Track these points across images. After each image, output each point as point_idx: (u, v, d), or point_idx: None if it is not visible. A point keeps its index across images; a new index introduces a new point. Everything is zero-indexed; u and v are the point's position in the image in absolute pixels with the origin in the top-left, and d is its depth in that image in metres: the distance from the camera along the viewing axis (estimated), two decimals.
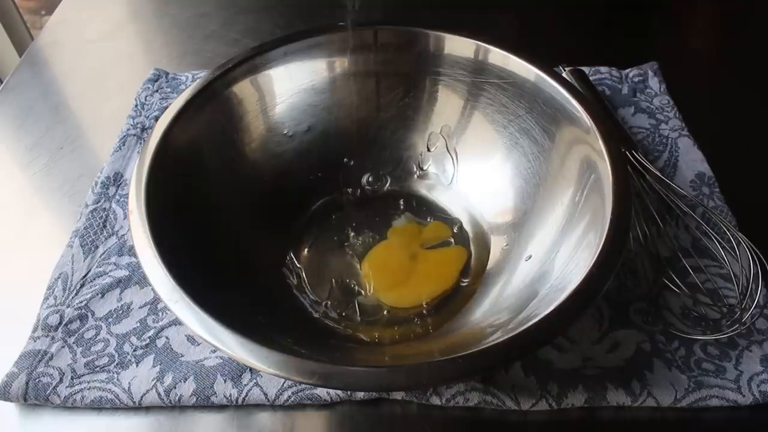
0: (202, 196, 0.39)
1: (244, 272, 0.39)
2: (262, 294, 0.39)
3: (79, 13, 0.67)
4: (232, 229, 0.40)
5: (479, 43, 0.42)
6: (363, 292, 0.40)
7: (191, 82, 0.54)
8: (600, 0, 0.68)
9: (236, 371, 0.36)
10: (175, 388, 0.35)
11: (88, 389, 0.35)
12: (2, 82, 0.60)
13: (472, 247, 0.42)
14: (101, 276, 0.41)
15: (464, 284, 0.40)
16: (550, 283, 0.34)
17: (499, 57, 0.42)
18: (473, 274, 0.41)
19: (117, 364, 0.37)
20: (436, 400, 0.35)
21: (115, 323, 0.39)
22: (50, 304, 0.39)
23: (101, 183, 0.46)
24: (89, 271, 0.41)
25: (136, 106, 0.53)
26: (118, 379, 0.36)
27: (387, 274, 0.41)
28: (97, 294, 0.40)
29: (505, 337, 0.29)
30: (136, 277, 0.41)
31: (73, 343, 0.38)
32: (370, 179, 0.46)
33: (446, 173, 0.45)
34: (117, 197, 0.46)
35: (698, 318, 0.38)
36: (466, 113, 0.45)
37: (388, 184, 0.46)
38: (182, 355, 0.37)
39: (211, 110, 0.41)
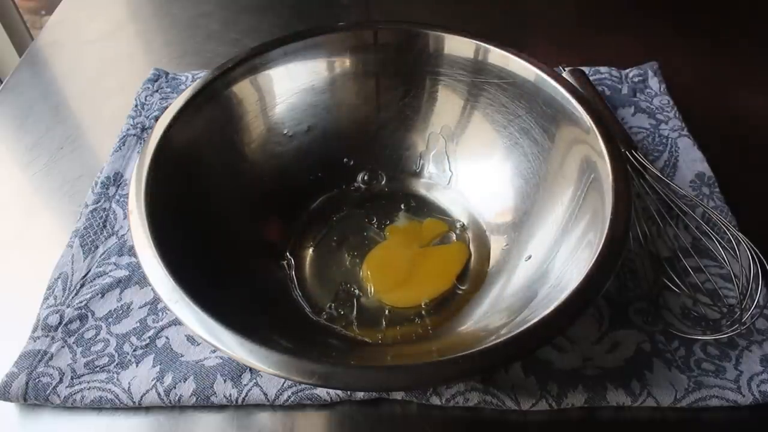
0: (202, 196, 0.39)
1: (244, 272, 0.39)
2: (262, 294, 0.39)
3: (79, 13, 0.67)
4: (232, 229, 0.40)
5: (479, 43, 0.42)
6: (364, 293, 0.40)
7: (191, 82, 0.54)
8: (600, 0, 0.68)
9: (236, 371, 0.36)
10: (175, 388, 0.35)
11: (88, 389, 0.35)
12: (2, 82, 0.60)
13: (472, 248, 0.42)
14: (101, 276, 0.41)
15: (463, 290, 0.40)
16: (550, 283, 0.34)
17: (499, 57, 0.42)
18: (472, 276, 0.41)
19: (117, 364, 0.37)
20: (436, 400, 0.35)
21: (115, 323, 0.39)
22: (50, 304, 0.39)
23: (101, 183, 0.46)
24: (89, 271, 0.41)
25: (136, 106, 0.53)
26: (118, 379, 0.36)
27: (387, 274, 0.41)
28: (97, 294, 0.40)
29: (505, 337, 0.29)
30: (136, 277, 0.41)
31: (73, 343, 0.38)
32: (366, 178, 0.46)
33: (446, 173, 0.45)
34: (117, 197, 0.46)
35: (698, 318, 0.38)
36: (465, 113, 0.45)
37: (387, 184, 0.46)
38: (182, 355, 0.37)
39: (211, 110, 0.41)
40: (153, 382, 0.35)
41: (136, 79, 0.56)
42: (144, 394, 0.35)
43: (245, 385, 0.35)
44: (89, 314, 0.39)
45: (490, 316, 0.36)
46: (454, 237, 0.43)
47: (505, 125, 0.42)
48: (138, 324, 0.39)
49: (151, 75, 0.56)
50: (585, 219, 0.35)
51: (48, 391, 0.35)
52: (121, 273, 0.41)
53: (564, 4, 0.67)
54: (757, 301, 0.36)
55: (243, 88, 0.42)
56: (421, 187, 0.46)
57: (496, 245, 0.42)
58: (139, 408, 0.35)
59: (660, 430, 0.35)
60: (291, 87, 0.44)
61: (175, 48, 0.62)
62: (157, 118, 0.45)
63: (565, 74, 0.51)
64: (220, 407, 0.35)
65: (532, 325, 0.29)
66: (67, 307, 0.39)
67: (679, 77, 0.54)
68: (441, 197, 0.45)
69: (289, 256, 0.42)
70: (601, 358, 0.36)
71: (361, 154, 0.46)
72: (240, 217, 0.41)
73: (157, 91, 0.55)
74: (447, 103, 0.45)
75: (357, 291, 0.40)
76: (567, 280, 0.32)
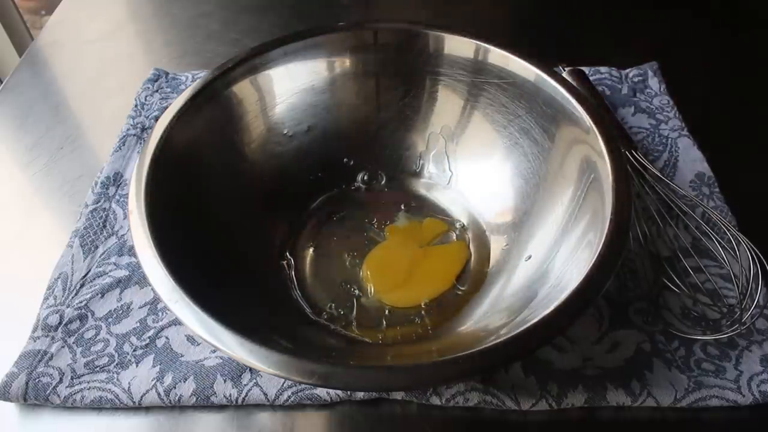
0: (202, 196, 0.39)
1: (244, 272, 0.39)
2: (262, 294, 0.39)
3: (79, 13, 0.67)
4: (231, 229, 0.40)
5: (479, 43, 0.42)
6: (364, 293, 0.40)
7: (191, 82, 0.54)
8: (600, 0, 0.68)
9: (236, 371, 0.36)
10: (174, 388, 0.35)
11: (88, 389, 0.35)
12: (2, 82, 0.60)
13: (472, 248, 0.42)
14: (101, 276, 0.41)
15: (463, 290, 0.40)
16: (550, 283, 0.34)
17: (499, 57, 0.42)
18: (472, 276, 0.41)
19: (117, 364, 0.37)
20: (436, 400, 0.35)
21: (115, 323, 0.39)
22: (50, 304, 0.39)
23: (101, 183, 0.46)
24: (89, 271, 0.41)
25: (136, 106, 0.53)
26: (118, 379, 0.36)
27: (387, 274, 0.41)
28: (97, 294, 0.40)
29: (505, 337, 0.29)
30: (136, 277, 0.41)
31: (73, 343, 0.38)
32: (366, 178, 0.46)
33: (446, 173, 0.45)
34: (117, 197, 0.46)
35: (698, 318, 0.38)
36: (466, 113, 0.45)
37: (387, 184, 0.46)
38: (182, 355, 0.37)
39: (211, 110, 0.41)
40: (153, 382, 0.35)
41: (136, 79, 0.56)
42: (144, 394, 0.35)
43: (245, 385, 0.35)
44: (89, 314, 0.39)
45: (490, 316, 0.36)
46: (454, 237, 0.43)
47: (505, 125, 0.42)
48: (138, 324, 0.39)
49: (151, 75, 0.56)
50: (585, 219, 0.35)
51: (48, 391, 0.35)
52: (121, 273, 0.41)
53: (564, 4, 0.67)
54: (757, 301, 0.36)
55: (243, 88, 0.42)
56: (421, 187, 0.46)
57: (496, 245, 0.42)
58: (139, 408, 0.35)
59: (660, 430, 0.35)
60: (291, 87, 0.44)
61: (175, 48, 0.62)
62: (157, 118, 0.45)
63: (565, 74, 0.51)
64: (220, 407, 0.35)
65: (532, 325, 0.29)
66: (67, 307, 0.39)
67: (679, 77, 0.54)
68: (441, 197, 0.45)
69: (289, 256, 0.42)
70: (601, 358, 0.36)
71: (361, 154, 0.46)
72: (240, 217, 0.41)
73: (157, 91, 0.55)
74: (447, 103, 0.45)
75: (357, 291, 0.40)
76: (567, 280, 0.32)
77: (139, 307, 0.39)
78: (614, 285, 0.40)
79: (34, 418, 0.36)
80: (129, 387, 0.35)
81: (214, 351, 0.37)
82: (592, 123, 0.37)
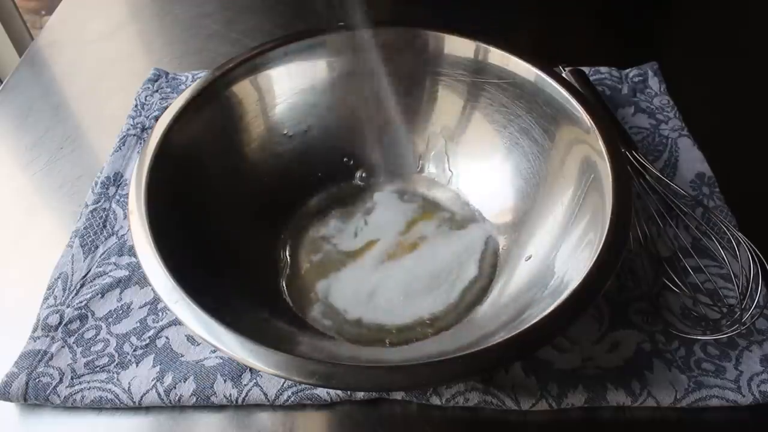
0: (202, 196, 0.39)
1: (244, 272, 0.39)
2: (262, 294, 0.39)
3: (79, 13, 0.67)
4: (232, 229, 0.40)
5: (479, 43, 0.42)
6: None
7: (191, 82, 0.54)
8: (600, 0, 0.68)
9: (236, 371, 0.36)
10: (175, 388, 0.35)
11: (88, 389, 0.35)
12: (2, 82, 0.60)
13: None
14: (101, 276, 0.41)
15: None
16: (550, 283, 0.34)
17: (499, 57, 0.42)
18: None
19: (117, 364, 0.37)
20: (436, 400, 0.35)
21: (115, 323, 0.39)
22: (50, 304, 0.39)
23: (101, 183, 0.46)
24: (89, 271, 0.41)
25: (136, 106, 0.53)
26: (118, 379, 0.36)
27: None
28: (97, 294, 0.40)
29: (505, 337, 0.29)
30: (136, 277, 0.41)
31: (73, 343, 0.38)
32: (364, 176, 0.46)
33: (446, 173, 0.45)
34: (117, 197, 0.46)
35: (698, 318, 0.38)
36: (466, 113, 0.45)
37: (387, 185, 0.46)
38: (182, 355, 0.37)
39: (211, 110, 0.41)
40: (153, 382, 0.35)
41: (136, 79, 0.56)
42: (144, 394, 0.35)
43: (245, 385, 0.35)
44: (89, 314, 0.39)
45: (490, 316, 0.36)
46: None
47: (505, 125, 0.42)
48: (138, 324, 0.39)
49: (151, 75, 0.56)
50: (585, 219, 0.35)
51: (48, 391, 0.35)
52: (121, 273, 0.41)
53: (564, 4, 0.67)
54: (757, 301, 0.36)
55: (243, 88, 0.42)
56: (421, 188, 0.46)
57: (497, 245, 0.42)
58: (139, 408, 0.35)
59: (660, 430, 0.35)
60: (291, 87, 0.44)
61: (175, 48, 0.62)
62: (157, 118, 0.45)
63: (565, 74, 0.51)
64: (220, 407, 0.35)
65: (532, 325, 0.29)
66: (67, 307, 0.39)
67: (679, 77, 0.54)
68: (441, 197, 0.45)
69: (289, 257, 0.42)
70: (601, 358, 0.36)
71: (361, 154, 0.46)
72: (240, 217, 0.41)
73: (157, 91, 0.55)
74: (447, 103, 0.45)
75: None
76: (567, 280, 0.32)
77: (139, 307, 0.39)
78: (614, 285, 0.40)
79: (34, 418, 0.36)
80: (129, 387, 0.35)
81: (214, 351, 0.37)
82: (592, 123, 0.37)
